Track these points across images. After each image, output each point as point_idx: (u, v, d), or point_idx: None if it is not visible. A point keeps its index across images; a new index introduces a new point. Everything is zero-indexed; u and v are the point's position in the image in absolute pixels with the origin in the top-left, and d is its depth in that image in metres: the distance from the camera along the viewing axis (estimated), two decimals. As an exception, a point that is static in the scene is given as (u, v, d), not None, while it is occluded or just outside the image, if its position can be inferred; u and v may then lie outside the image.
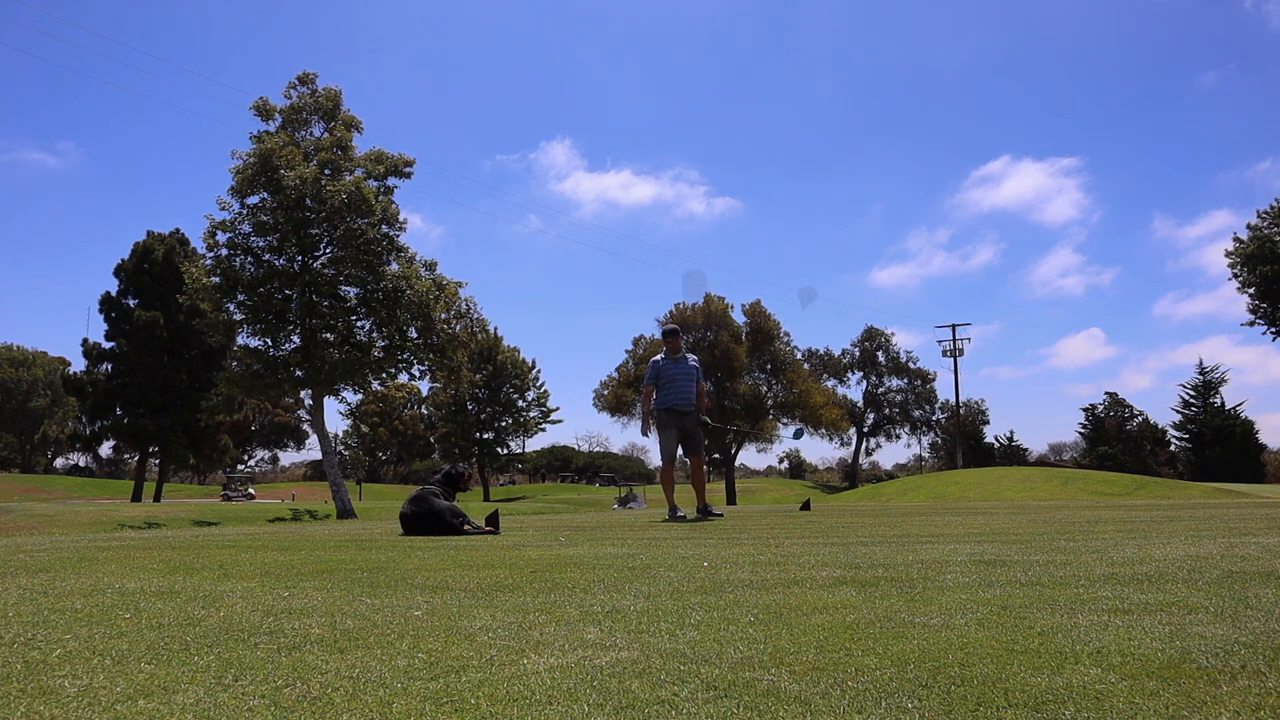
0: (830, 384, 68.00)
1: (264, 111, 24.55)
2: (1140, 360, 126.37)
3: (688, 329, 53.50)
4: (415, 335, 24.91)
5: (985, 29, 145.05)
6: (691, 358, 8.97)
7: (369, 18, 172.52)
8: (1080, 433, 75.59)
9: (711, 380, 52.88)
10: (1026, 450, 79.33)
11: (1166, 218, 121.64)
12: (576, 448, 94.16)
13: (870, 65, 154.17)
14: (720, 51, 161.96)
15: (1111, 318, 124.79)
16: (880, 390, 76.81)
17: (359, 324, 24.70)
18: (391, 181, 24.93)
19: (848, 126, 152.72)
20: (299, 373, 24.17)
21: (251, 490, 58.30)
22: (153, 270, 40.75)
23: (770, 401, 53.76)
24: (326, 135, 24.61)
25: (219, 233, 23.75)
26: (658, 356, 8.99)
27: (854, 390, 75.62)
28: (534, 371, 63.40)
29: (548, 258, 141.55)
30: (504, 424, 63.23)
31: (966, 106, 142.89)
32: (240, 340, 24.92)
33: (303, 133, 24.73)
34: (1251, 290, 44.82)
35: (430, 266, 25.42)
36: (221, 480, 66.18)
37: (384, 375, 26.21)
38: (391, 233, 24.53)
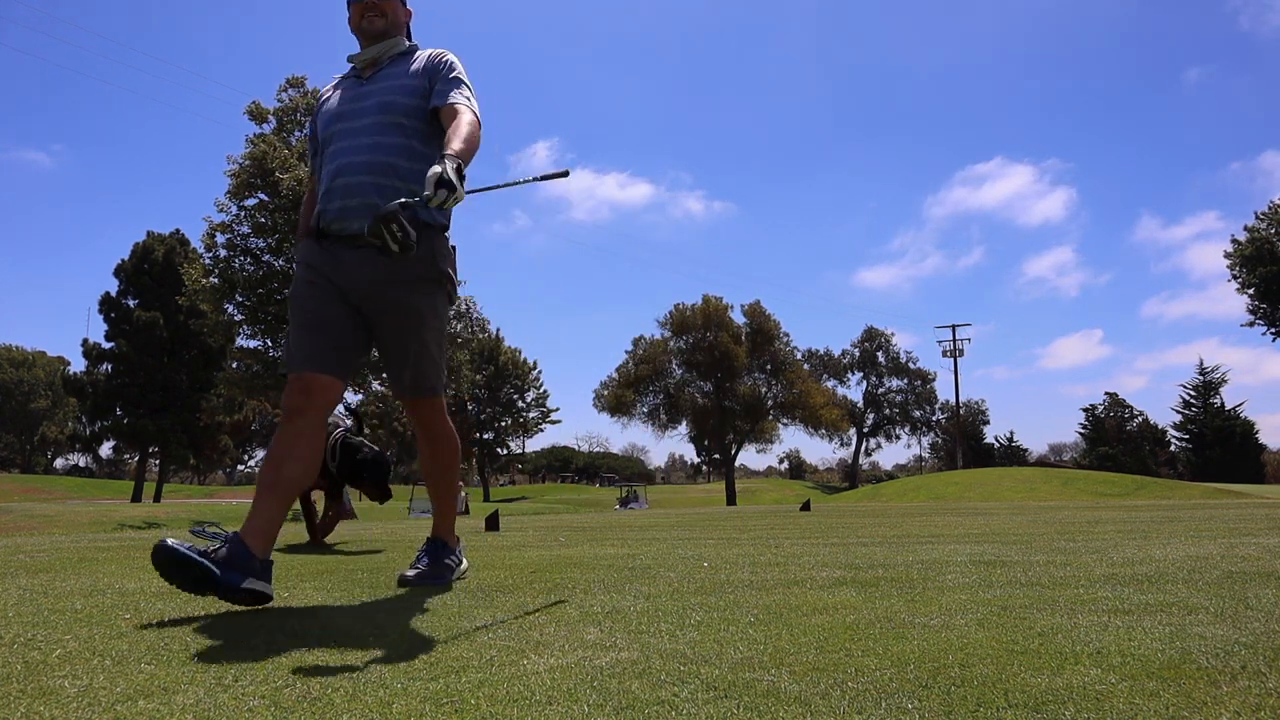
0: (830, 384, 68.04)
1: (257, 115, 24.60)
2: (1131, 361, 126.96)
3: (686, 330, 53.25)
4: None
5: (970, 33, 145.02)
6: (413, 60, 2.97)
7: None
8: (1080, 433, 75.78)
9: (711, 381, 52.65)
10: (1026, 451, 79.48)
11: (1153, 218, 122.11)
12: (576, 448, 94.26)
13: (856, 67, 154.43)
14: (707, 55, 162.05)
15: (1103, 319, 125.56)
16: (880, 390, 76.85)
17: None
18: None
19: (836, 128, 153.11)
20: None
21: None
22: (153, 271, 40.75)
23: (770, 402, 53.75)
24: (318, 136, 24.69)
25: (218, 234, 23.79)
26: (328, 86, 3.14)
27: (854, 390, 75.69)
28: (534, 372, 63.43)
29: (545, 258, 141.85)
30: (504, 424, 63.23)
31: (955, 108, 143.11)
32: (240, 341, 24.93)
33: (297, 134, 24.77)
34: (1251, 291, 44.87)
35: (430, 267, 25.42)
36: (221, 480, 65.57)
37: (384, 375, 26.19)
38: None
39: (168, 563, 2.29)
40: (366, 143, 2.85)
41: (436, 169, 2.48)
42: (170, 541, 2.30)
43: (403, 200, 2.46)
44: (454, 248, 3.01)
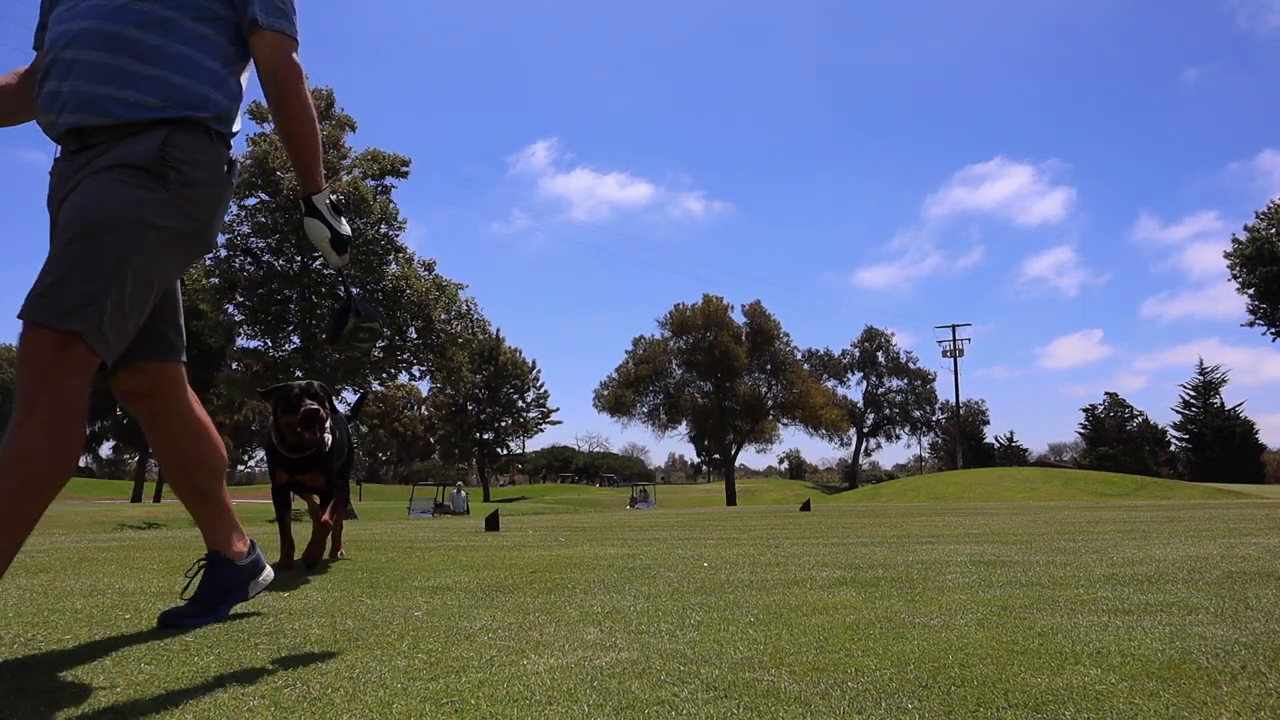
0: (830, 384, 67.99)
1: (257, 114, 24.61)
2: (1131, 361, 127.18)
3: (686, 330, 53.26)
4: (415, 336, 24.96)
5: (971, 33, 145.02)
6: None
7: (363, 18, 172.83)
8: (1080, 433, 75.79)
9: (711, 381, 52.66)
10: (1026, 451, 79.50)
11: (1152, 218, 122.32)
12: (576, 448, 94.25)
13: (856, 67, 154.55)
14: (707, 55, 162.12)
15: (1102, 319, 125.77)
16: (880, 391, 76.79)
17: (359, 324, 24.74)
18: (389, 181, 25.00)
19: (835, 128, 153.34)
20: (299, 374, 24.19)
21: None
22: (152, 271, 40.76)
23: (770, 402, 53.75)
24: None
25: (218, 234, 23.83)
26: None
27: (854, 390, 75.63)
28: (534, 372, 63.42)
29: (545, 258, 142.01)
30: (504, 424, 63.22)
31: (954, 108, 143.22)
32: (240, 341, 24.97)
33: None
34: (1251, 291, 44.86)
35: (429, 267, 25.47)
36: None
37: (384, 375, 26.22)
38: (391, 233, 24.59)
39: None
40: (105, 6, 1.99)
41: (324, 231, 2.10)
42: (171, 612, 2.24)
43: (342, 309, 2.08)
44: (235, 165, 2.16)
